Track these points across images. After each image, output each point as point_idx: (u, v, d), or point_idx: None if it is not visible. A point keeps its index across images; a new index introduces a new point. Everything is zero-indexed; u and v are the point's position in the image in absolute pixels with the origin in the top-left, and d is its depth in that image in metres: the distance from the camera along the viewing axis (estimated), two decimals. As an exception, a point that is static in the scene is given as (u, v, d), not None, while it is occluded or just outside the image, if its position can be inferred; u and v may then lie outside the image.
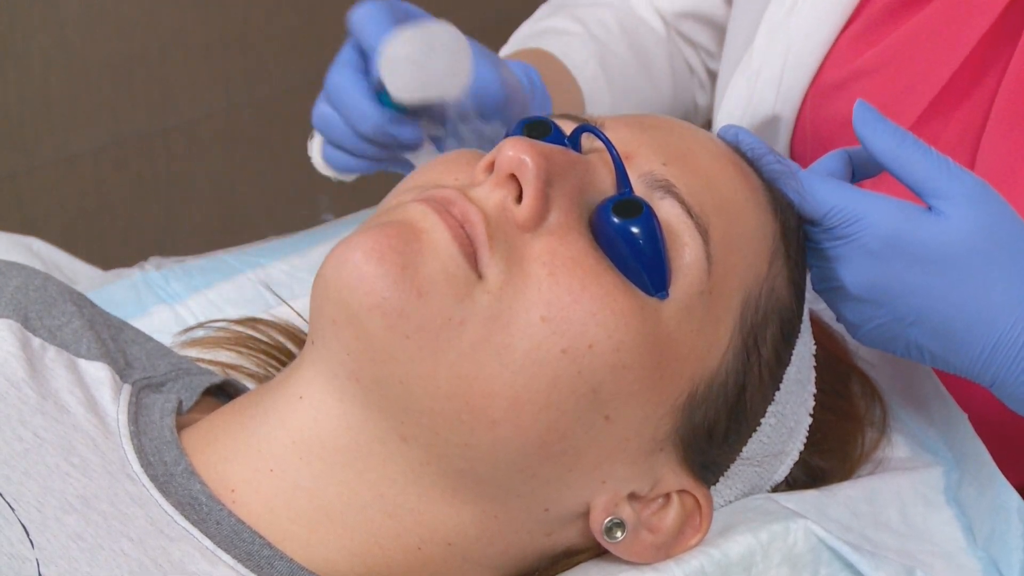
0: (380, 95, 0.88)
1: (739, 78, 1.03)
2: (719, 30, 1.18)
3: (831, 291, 0.80)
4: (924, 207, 0.77)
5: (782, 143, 1.04)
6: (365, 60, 0.89)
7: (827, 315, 0.92)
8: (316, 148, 0.95)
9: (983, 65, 0.94)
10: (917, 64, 0.95)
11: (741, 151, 0.81)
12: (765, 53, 1.01)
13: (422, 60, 0.82)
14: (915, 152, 0.77)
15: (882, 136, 0.78)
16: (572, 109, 1.08)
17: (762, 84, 1.01)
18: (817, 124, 1.00)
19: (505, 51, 1.14)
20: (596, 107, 1.11)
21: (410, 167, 0.92)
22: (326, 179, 0.97)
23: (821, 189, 0.78)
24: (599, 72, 1.11)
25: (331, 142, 0.93)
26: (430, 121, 0.91)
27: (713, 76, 1.21)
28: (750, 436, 0.78)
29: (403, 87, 0.84)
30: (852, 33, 1.00)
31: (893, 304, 0.77)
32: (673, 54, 1.18)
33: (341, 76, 0.89)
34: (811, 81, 1.00)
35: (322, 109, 0.91)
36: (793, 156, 1.05)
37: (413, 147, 0.91)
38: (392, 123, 0.89)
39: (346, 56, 0.90)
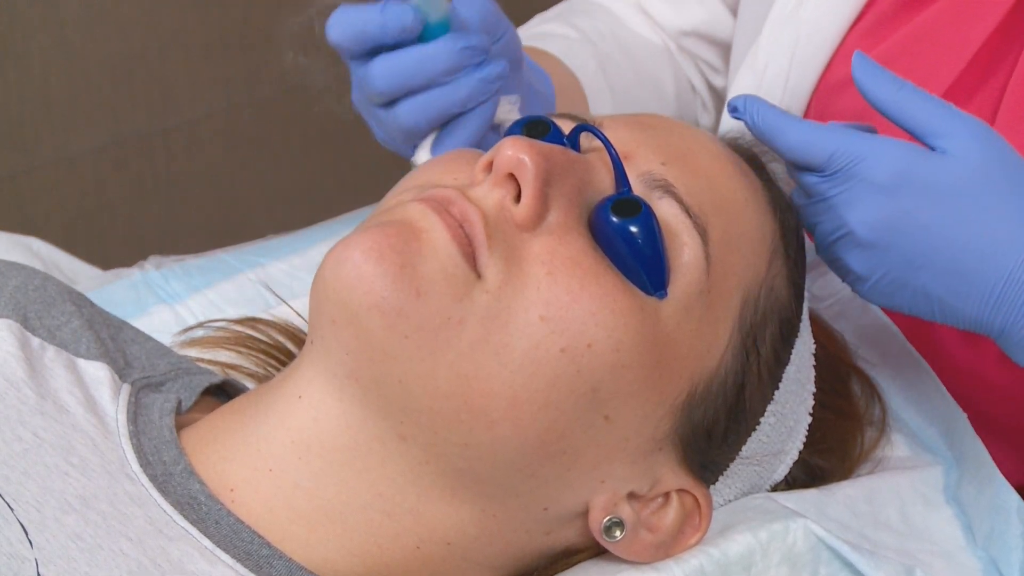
0: (421, 35, 0.83)
1: (746, 72, 1.03)
2: (725, 48, 1.17)
3: (838, 243, 0.78)
4: (928, 149, 0.77)
5: None
6: (372, 53, 0.84)
7: (827, 315, 0.92)
8: (427, 147, 0.87)
9: (991, 63, 0.93)
10: (924, 61, 0.95)
11: (741, 150, 0.81)
12: (771, 48, 1.01)
13: None
14: (915, 97, 0.77)
15: (882, 83, 0.78)
16: (575, 107, 1.07)
17: (769, 79, 1.01)
18: (825, 120, 1.00)
19: None
20: (599, 108, 1.10)
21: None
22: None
23: (822, 134, 0.77)
24: (600, 74, 1.10)
25: (439, 116, 0.85)
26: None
27: (715, 93, 1.20)
28: (749, 435, 0.78)
29: None
30: (860, 30, 0.99)
31: (902, 245, 0.76)
32: (676, 73, 1.18)
33: (383, 68, 0.83)
34: (819, 77, 1.00)
35: (403, 108, 0.84)
36: None
37: (486, 50, 0.84)
38: (455, 40, 0.82)
39: (357, 74, 0.85)
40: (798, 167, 0.79)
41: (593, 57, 1.11)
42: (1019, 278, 0.74)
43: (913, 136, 0.78)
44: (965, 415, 0.85)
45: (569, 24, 1.14)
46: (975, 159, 0.75)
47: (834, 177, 0.77)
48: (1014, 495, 0.81)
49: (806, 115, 1.01)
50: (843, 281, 0.81)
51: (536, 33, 1.14)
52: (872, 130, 0.82)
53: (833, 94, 1.00)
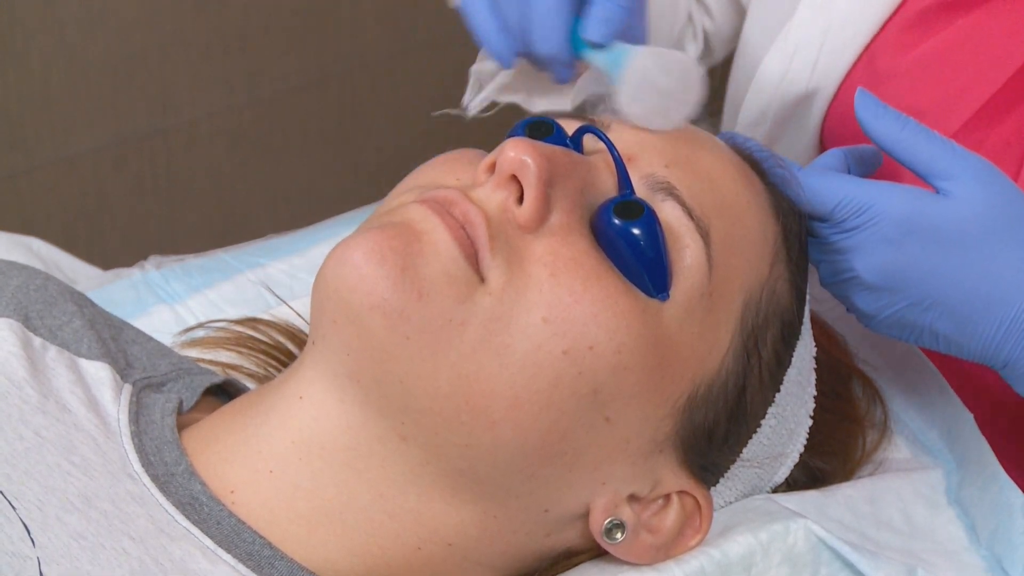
0: (575, 36, 0.83)
1: (775, 54, 1.02)
2: (731, 3, 1.16)
3: (844, 283, 0.80)
4: (931, 191, 0.77)
5: (813, 122, 1.02)
6: None
7: (828, 316, 0.92)
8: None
9: None
10: (968, 69, 0.94)
11: (743, 152, 0.81)
12: (801, 34, 1.00)
13: (665, 98, 0.78)
14: (919, 136, 0.78)
15: (884, 122, 0.78)
16: None
17: (797, 66, 1.00)
18: (849, 102, 0.99)
19: None
20: None
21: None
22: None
23: (826, 184, 0.78)
24: None
25: (487, 25, 0.85)
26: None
27: (705, 35, 1.17)
28: (750, 438, 0.78)
29: (633, 109, 0.78)
30: (901, 23, 0.97)
31: (909, 289, 0.77)
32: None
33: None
34: (849, 67, 0.99)
35: None
36: (825, 138, 1.04)
37: (558, 80, 0.86)
38: (564, 63, 0.84)
39: None
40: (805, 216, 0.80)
41: None
42: (1022, 322, 0.76)
43: (917, 176, 0.78)
44: (971, 416, 0.86)
45: None
46: (978, 203, 0.76)
47: (840, 225, 0.78)
48: (1018, 493, 0.81)
49: (832, 107, 1.01)
50: (848, 312, 0.82)
51: None
52: (875, 156, 0.82)
53: (871, 85, 0.99)
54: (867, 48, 0.99)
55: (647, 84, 0.78)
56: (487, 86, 0.94)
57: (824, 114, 1.02)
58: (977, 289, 0.76)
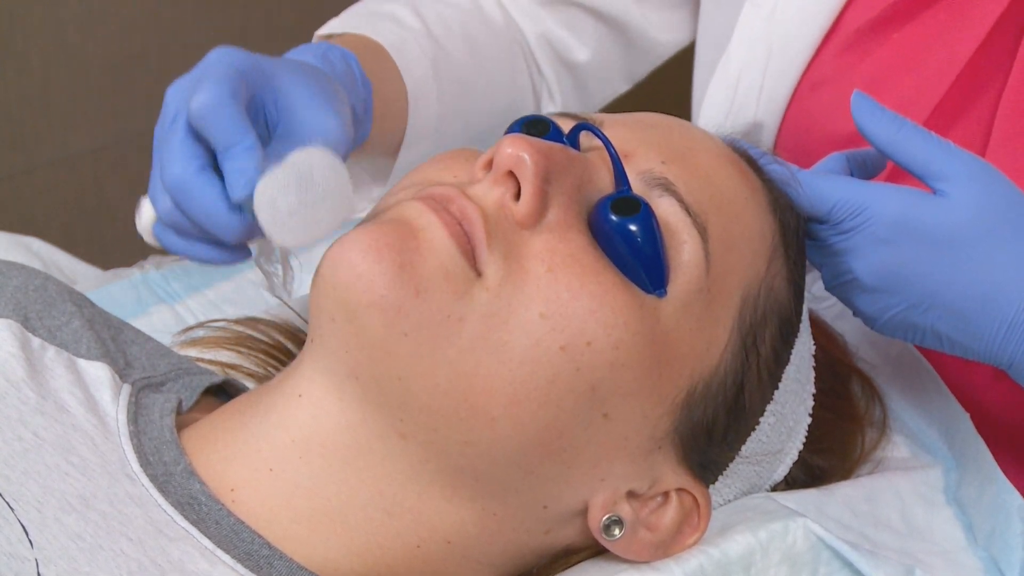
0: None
1: (718, 86, 1.01)
2: (600, 18, 1.13)
3: (844, 285, 0.80)
4: (928, 191, 0.77)
5: (765, 147, 1.02)
6: (211, 153, 0.75)
7: (827, 315, 0.92)
8: (146, 218, 0.81)
9: (979, 81, 0.93)
10: (910, 81, 0.94)
11: (740, 150, 0.81)
12: (743, 61, 1.00)
13: (305, 209, 0.71)
14: (915, 136, 0.78)
15: (881, 123, 0.78)
16: (391, 104, 0.99)
17: (743, 92, 1.00)
18: (797, 123, 0.99)
19: (336, 24, 1.03)
20: (420, 110, 1.02)
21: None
22: None
23: (823, 185, 0.79)
24: (430, 74, 1.02)
25: (176, 234, 0.79)
26: None
27: (571, 69, 1.14)
28: (749, 435, 0.78)
29: (292, 239, 0.72)
30: (840, 43, 0.97)
31: (907, 290, 0.77)
32: (526, 62, 1.12)
33: (192, 179, 0.74)
34: (794, 87, 0.99)
35: (167, 204, 0.76)
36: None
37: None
38: (250, 233, 0.74)
39: (187, 149, 0.75)
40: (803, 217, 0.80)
41: (428, 55, 1.03)
42: (1020, 322, 0.76)
43: (914, 176, 0.78)
44: (967, 415, 0.86)
45: (414, 10, 1.05)
46: (974, 203, 0.76)
47: (837, 227, 0.78)
48: (1015, 494, 0.81)
49: (784, 122, 1.01)
50: (855, 316, 0.82)
51: (377, 12, 1.04)
52: (877, 160, 0.82)
53: (806, 99, 0.99)
54: (806, 74, 0.98)
55: (275, 210, 0.71)
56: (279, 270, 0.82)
57: (775, 138, 1.01)
58: (974, 290, 0.76)
